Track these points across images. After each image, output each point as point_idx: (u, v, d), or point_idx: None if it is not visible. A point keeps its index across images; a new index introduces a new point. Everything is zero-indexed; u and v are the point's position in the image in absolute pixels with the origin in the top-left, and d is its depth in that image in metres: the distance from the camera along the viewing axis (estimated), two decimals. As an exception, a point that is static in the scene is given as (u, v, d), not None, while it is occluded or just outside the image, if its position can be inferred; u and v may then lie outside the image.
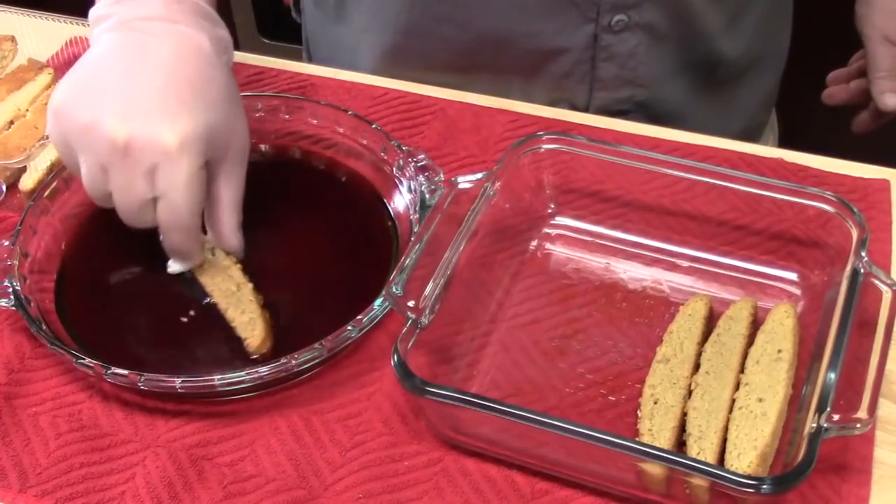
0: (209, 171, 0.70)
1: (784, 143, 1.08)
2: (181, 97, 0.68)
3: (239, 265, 0.74)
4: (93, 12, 0.74)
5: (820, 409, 0.58)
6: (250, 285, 0.73)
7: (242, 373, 0.65)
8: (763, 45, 0.98)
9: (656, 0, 0.87)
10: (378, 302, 0.68)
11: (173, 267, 0.74)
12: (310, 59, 1.06)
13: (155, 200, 0.68)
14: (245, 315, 0.71)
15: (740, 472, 0.59)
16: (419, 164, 0.76)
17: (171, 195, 0.67)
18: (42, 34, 0.95)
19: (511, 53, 0.91)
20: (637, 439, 0.62)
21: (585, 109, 0.93)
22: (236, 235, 0.73)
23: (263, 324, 0.70)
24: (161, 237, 0.71)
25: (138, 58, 0.70)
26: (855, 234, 0.68)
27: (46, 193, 0.76)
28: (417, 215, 0.74)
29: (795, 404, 0.63)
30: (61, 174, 0.78)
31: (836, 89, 1.02)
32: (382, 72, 0.92)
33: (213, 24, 0.74)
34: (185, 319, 0.72)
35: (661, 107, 0.94)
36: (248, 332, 0.70)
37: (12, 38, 0.94)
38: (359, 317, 0.67)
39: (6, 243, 0.73)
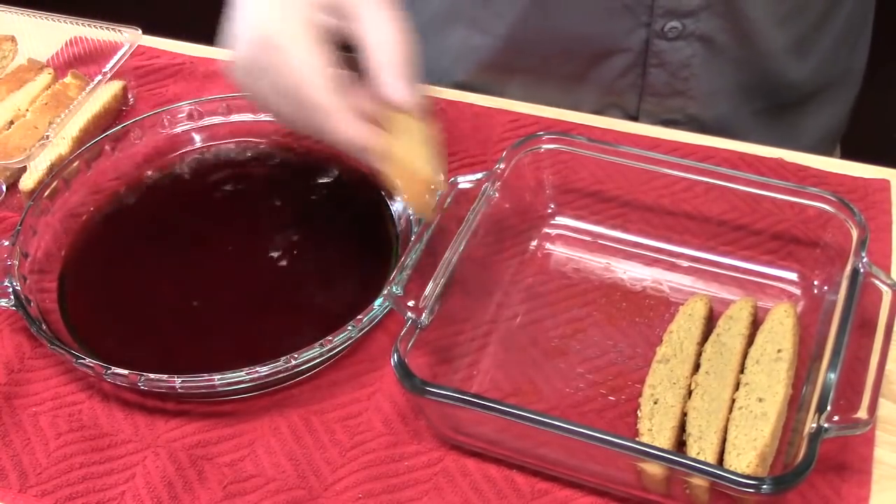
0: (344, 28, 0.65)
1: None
2: None
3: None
4: None
5: (820, 409, 0.58)
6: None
7: (242, 373, 0.65)
8: (834, 72, 0.93)
9: (714, 11, 0.84)
10: (378, 302, 0.68)
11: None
12: None
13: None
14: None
15: (740, 472, 0.59)
16: (419, 164, 0.76)
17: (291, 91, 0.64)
18: (42, 34, 0.95)
19: (563, 56, 0.89)
20: (637, 439, 0.62)
21: (635, 116, 0.91)
22: (398, 84, 0.63)
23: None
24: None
25: None
26: (855, 234, 0.68)
27: (46, 193, 0.77)
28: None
29: (795, 404, 0.63)
30: (61, 174, 0.78)
31: None
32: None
33: None
34: (185, 319, 0.72)
35: (715, 122, 0.91)
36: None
37: (12, 38, 0.94)
38: (359, 317, 0.67)
39: (6, 243, 0.73)
